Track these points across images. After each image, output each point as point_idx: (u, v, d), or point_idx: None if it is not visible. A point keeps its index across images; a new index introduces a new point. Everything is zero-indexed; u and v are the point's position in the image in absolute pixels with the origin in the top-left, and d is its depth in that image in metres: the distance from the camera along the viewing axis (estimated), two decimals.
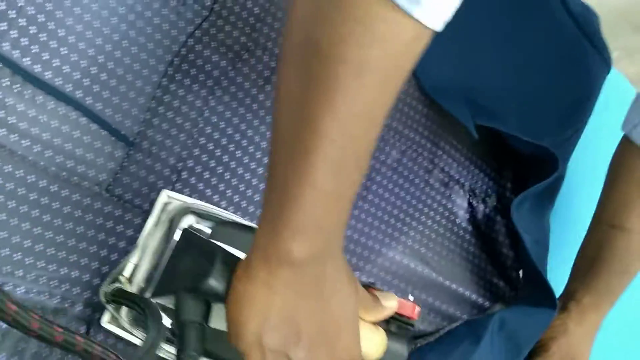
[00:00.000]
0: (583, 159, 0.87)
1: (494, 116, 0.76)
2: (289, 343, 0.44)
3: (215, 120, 0.60)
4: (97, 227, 0.55)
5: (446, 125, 0.76)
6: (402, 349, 0.54)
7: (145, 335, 0.47)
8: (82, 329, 0.54)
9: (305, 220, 0.41)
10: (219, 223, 0.55)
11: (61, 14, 0.52)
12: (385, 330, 0.53)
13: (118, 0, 0.55)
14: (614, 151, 0.79)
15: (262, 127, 0.62)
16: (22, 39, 0.51)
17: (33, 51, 0.52)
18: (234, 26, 0.61)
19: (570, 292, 0.81)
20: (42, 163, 0.52)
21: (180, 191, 0.58)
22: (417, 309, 0.54)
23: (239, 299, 0.44)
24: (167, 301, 0.51)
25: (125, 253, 0.56)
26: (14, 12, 0.51)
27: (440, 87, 0.73)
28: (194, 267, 0.49)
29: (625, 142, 0.76)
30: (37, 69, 0.52)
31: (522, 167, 0.84)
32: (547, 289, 0.75)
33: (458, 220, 0.78)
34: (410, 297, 0.55)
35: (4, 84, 0.51)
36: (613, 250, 0.78)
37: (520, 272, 0.83)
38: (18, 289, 0.51)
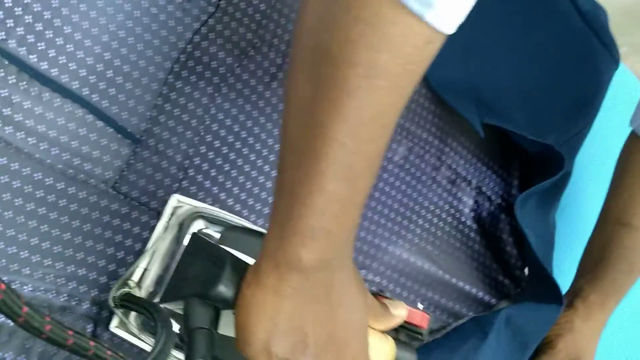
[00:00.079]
0: (591, 155, 0.86)
1: (501, 114, 0.76)
2: (296, 350, 0.44)
3: (222, 117, 0.60)
4: (103, 225, 0.55)
5: (454, 122, 0.75)
6: (411, 358, 0.53)
7: (153, 340, 0.47)
8: (89, 328, 0.54)
9: (314, 225, 0.41)
10: (228, 228, 0.55)
11: (67, 11, 0.52)
12: (394, 339, 0.52)
13: None
14: (622, 148, 0.78)
15: (268, 124, 0.62)
16: (28, 36, 0.51)
17: (39, 48, 0.51)
18: (240, 23, 0.61)
19: (576, 289, 0.81)
20: (48, 161, 0.52)
21: (186, 189, 0.58)
22: (427, 317, 0.53)
23: (247, 305, 0.44)
24: (176, 306, 0.50)
25: (132, 251, 0.56)
26: (20, 9, 0.50)
27: (448, 84, 0.73)
28: (203, 273, 0.49)
29: (633, 139, 0.76)
30: (44, 66, 0.52)
31: (529, 165, 0.83)
32: (553, 286, 0.75)
33: (463, 218, 0.78)
34: (420, 306, 0.54)
35: (10, 82, 0.50)
36: (620, 247, 0.78)
37: (526, 270, 0.82)
38: (25, 287, 0.51)
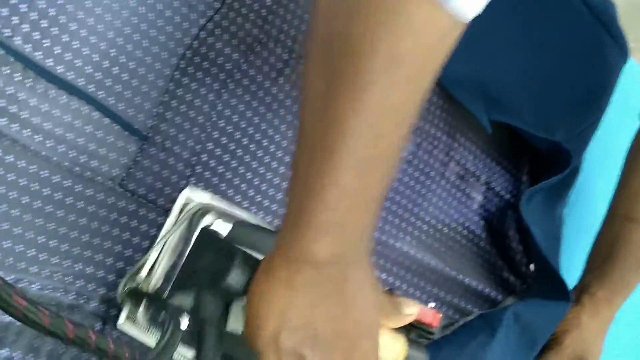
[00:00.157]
0: (599, 149, 0.86)
1: (509, 110, 0.75)
2: (305, 345, 0.44)
3: (229, 113, 0.59)
4: (111, 223, 0.54)
5: (462, 118, 0.75)
6: (422, 357, 0.53)
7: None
8: (98, 326, 0.54)
9: (328, 220, 0.40)
10: (237, 224, 0.55)
11: (73, 8, 0.52)
12: (404, 337, 0.51)
13: None
14: (631, 142, 0.78)
15: (275, 120, 0.62)
16: (33, 33, 0.51)
17: (45, 45, 0.51)
18: (246, 18, 0.60)
19: (584, 285, 0.81)
20: (55, 158, 0.52)
21: (193, 185, 0.57)
22: (438, 316, 0.53)
23: (258, 298, 0.44)
24: (185, 300, 0.50)
25: (140, 249, 0.55)
26: (25, 6, 0.50)
27: (456, 80, 0.72)
28: (213, 265, 0.48)
29: None
30: (49, 63, 0.51)
31: (538, 161, 0.83)
32: (559, 282, 0.75)
33: (471, 214, 0.78)
34: (431, 304, 0.53)
35: (16, 79, 0.50)
36: (628, 243, 0.78)
37: (531, 266, 0.82)
38: (33, 286, 0.51)
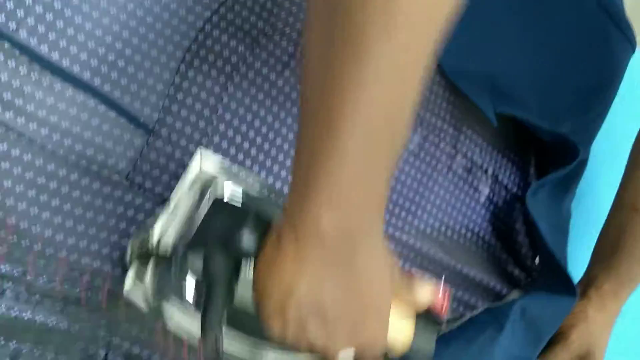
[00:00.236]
0: (606, 141, 0.85)
1: (515, 102, 0.74)
2: (310, 319, 0.43)
3: (235, 106, 0.59)
4: (117, 216, 0.54)
5: (469, 110, 0.74)
6: (429, 345, 0.52)
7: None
8: (104, 319, 0.54)
9: (334, 191, 0.39)
10: (249, 198, 0.54)
11: (77, 1, 0.52)
12: (413, 322, 0.51)
13: None
14: (638, 133, 0.77)
15: (281, 113, 0.61)
16: (38, 26, 0.50)
17: (50, 39, 0.51)
18: (251, 11, 0.60)
19: (590, 278, 0.80)
20: (61, 151, 0.52)
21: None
22: (446, 304, 0.52)
23: (266, 270, 0.44)
24: (195, 262, 0.49)
25: None
26: None
27: (462, 72, 0.72)
28: (225, 226, 0.48)
29: None
30: (55, 56, 0.51)
31: (545, 154, 0.82)
32: (565, 277, 0.74)
33: (478, 208, 0.77)
34: (441, 285, 0.53)
35: (22, 73, 0.50)
36: (635, 235, 0.77)
37: (537, 260, 0.82)
38: (40, 279, 0.51)
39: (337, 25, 0.36)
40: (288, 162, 0.61)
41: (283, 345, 0.46)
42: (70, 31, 0.52)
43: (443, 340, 0.72)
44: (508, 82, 0.74)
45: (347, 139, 0.38)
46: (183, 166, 0.57)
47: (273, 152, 0.61)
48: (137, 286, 0.52)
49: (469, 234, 0.76)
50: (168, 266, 0.48)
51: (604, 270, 0.79)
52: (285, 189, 0.61)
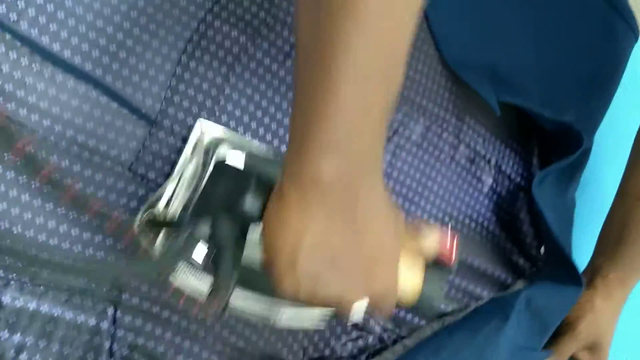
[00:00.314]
0: (609, 130, 0.85)
1: (518, 91, 0.74)
2: (322, 269, 0.43)
3: (236, 97, 0.59)
4: (120, 207, 0.54)
5: (471, 100, 0.74)
6: (439, 291, 0.52)
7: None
8: (110, 310, 0.53)
9: (331, 137, 0.40)
10: (251, 156, 0.54)
11: None
12: (423, 267, 0.51)
13: None
14: None
15: (283, 103, 0.61)
16: (39, 17, 0.50)
17: (51, 30, 0.51)
18: (252, 1, 0.60)
19: (595, 267, 0.80)
20: (63, 143, 0.51)
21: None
22: (455, 250, 0.52)
23: (272, 226, 0.43)
24: (202, 228, 0.49)
25: None
26: None
27: (464, 61, 0.72)
28: (229, 190, 0.48)
29: None
30: (56, 47, 0.51)
31: (548, 143, 0.82)
32: (571, 266, 0.74)
33: (482, 198, 0.77)
34: (448, 232, 0.52)
35: (23, 64, 0.50)
36: (639, 223, 0.77)
37: (542, 250, 0.81)
38: (44, 270, 0.51)
39: None
40: None
41: (297, 302, 0.46)
42: (72, 22, 0.51)
43: (448, 331, 0.71)
44: (510, 71, 0.74)
45: (342, 84, 0.38)
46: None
47: (275, 142, 0.61)
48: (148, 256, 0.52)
49: (472, 224, 0.76)
50: (176, 234, 0.48)
51: (609, 259, 0.79)
52: None
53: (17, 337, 0.50)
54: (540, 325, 0.76)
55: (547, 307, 0.76)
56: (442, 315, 0.73)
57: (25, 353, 0.50)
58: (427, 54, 0.70)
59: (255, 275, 0.48)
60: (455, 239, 0.52)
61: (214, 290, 0.46)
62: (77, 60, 0.52)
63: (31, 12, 0.50)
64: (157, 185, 0.55)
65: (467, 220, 0.76)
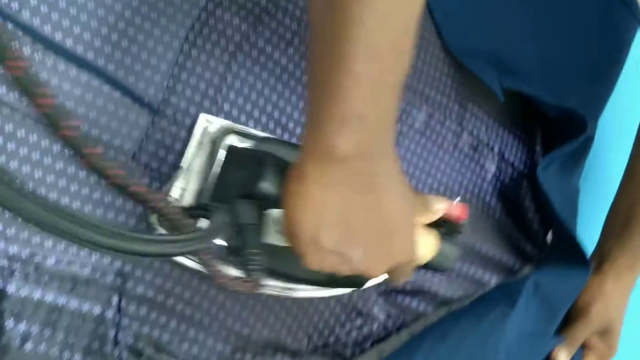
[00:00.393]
0: (614, 114, 0.85)
1: (521, 77, 0.74)
2: (345, 242, 0.44)
3: (239, 85, 0.59)
4: (124, 197, 0.54)
5: (474, 87, 0.74)
6: (454, 250, 0.55)
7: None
8: (114, 299, 0.54)
9: (347, 111, 0.41)
10: (261, 139, 0.55)
11: None
12: (437, 233, 0.53)
13: None
14: None
15: (285, 91, 0.61)
16: (41, 6, 0.50)
17: (53, 19, 0.51)
18: None
19: (603, 252, 0.80)
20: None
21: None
22: (465, 209, 0.54)
23: (292, 200, 0.44)
24: (221, 214, 0.50)
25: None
26: None
27: (466, 48, 0.72)
28: (245, 175, 0.49)
29: None
30: (58, 36, 0.51)
31: (551, 130, 0.82)
32: (579, 251, 0.74)
33: (485, 185, 0.77)
34: (457, 199, 0.54)
35: (25, 53, 0.50)
36: None
37: (548, 236, 0.81)
38: (48, 260, 0.51)
39: None
40: (293, 141, 0.61)
41: (319, 279, 0.47)
42: (73, 11, 0.51)
43: (453, 317, 0.71)
44: (513, 58, 0.74)
45: (355, 58, 0.39)
46: None
47: (278, 131, 0.61)
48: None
49: (478, 212, 0.76)
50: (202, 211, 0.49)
51: (617, 243, 0.79)
52: None
53: (22, 326, 0.50)
54: (549, 310, 0.76)
55: (555, 291, 0.76)
56: (448, 302, 0.73)
57: (30, 342, 0.50)
58: (430, 42, 0.70)
59: (277, 253, 0.49)
60: (463, 204, 0.54)
61: (243, 265, 0.47)
62: (79, 49, 0.52)
63: (33, 1, 0.50)
64: (160, 175, 0.55)
65: (472, 209, 0.75)
